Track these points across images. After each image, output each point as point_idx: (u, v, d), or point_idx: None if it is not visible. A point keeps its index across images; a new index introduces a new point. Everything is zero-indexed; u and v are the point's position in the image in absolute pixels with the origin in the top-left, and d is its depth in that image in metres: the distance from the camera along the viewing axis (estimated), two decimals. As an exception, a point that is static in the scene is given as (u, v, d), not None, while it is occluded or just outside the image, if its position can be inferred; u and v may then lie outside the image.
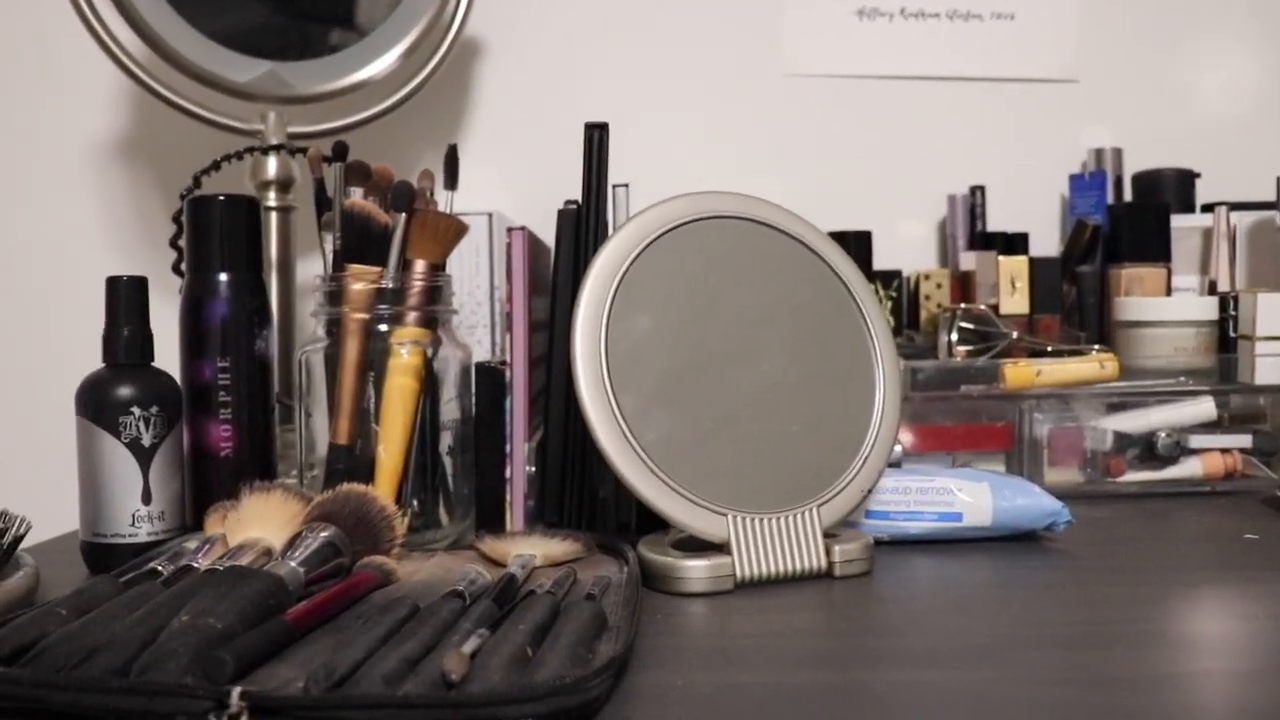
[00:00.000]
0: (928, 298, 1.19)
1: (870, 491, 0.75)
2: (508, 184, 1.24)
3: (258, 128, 1.04)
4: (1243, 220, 1.16)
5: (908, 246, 1.30)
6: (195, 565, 0.66)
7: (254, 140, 1.03)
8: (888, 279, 1.20)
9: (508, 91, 1.29)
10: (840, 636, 0.63)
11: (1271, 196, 1.11)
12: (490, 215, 1.05)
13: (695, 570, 0.69)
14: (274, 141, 1.02)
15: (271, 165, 1.02)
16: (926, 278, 1.21)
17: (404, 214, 0.80)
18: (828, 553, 0.71)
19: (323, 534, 0.68)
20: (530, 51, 1.30)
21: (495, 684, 0.49)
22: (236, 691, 0.47)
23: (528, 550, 0.74)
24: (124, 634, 0.53)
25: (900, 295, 1.21)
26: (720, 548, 0.69)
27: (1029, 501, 0.80)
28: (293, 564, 0.65)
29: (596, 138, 0.80)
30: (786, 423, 0.73)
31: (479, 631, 0.55)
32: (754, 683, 0.54)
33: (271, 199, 1.02)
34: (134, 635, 0.53)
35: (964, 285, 1.18)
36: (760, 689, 0.53)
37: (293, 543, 0.67)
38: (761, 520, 0.70)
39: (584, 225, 0.80)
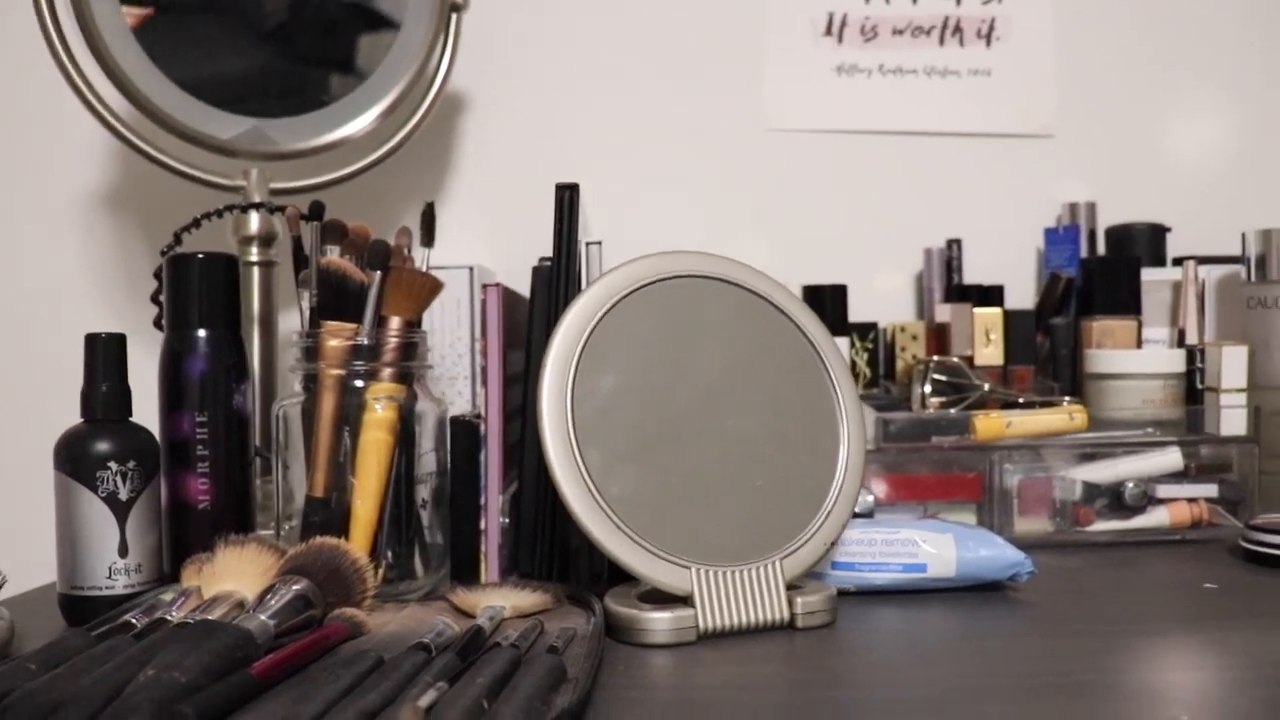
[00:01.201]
0: (903, 349, 1.20)
1: (834, 544, 0.76)
2: (489, 238, 1.26)
3: (240, 184, 1.06)
4: (1211, 274, 1.17)
5: (885, 299, 1.31)
6: (169, 618, 0.68)
7: (236, 196, 1.05)
8: (864, 331, 1.21)
9: (490, 146, 1.31)
10: (799, 688, 0.64)
11: (1237, 251, 1.12)
12: (472, 269, 1.06)
13: (658, 622, 0.70)
14: (256, 198, 1.04)
15: (254, 221, 1.03)
16: (902, 330, 1.22)
17: (380, 272, 0.82)
18: (790, 604, 0.72)
19: (294, 587, 0.69)
20: (513, 106, 1.31)
21: (448, 738, 0.50)
22: (196, 745, 0.49)
23: (497, 602, 0.75)
24: (89, 688, 0.55)
25: (877, 347, 1.22)
26: (684, 600, 0.71)
27: (992, 552, 0.80)
28: (263, 617, 0.66)
29: (567, 198, 0.82)
30: (751, 477, 0.75)
31: (438, 685, 0.56)
32: (707, 736, 0.55)
33: (254, 254, 1.04)
34: (99, 690, 0.55)
35: (940, 337, 1.19)
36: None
37: (264, 595, 0.68)
38: (725, 573, 0.71)
39: (556, 283, 0.82)
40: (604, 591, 0.75)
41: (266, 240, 1.04)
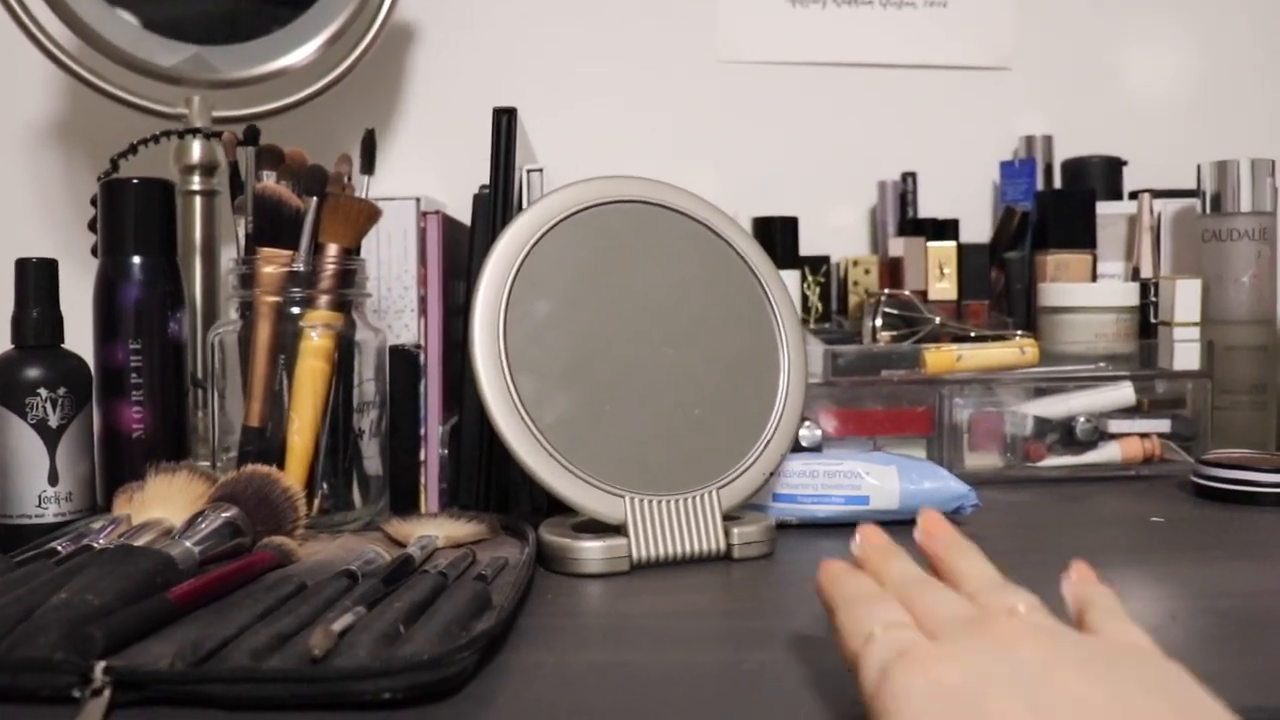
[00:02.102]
0: (856, 284, 1.19)
1: (773, 474, 0.75)
2: (439, 169, 1.23)
3: (182, 112, 1.04)
4: (1166, 208, 1.16)
5: (838, 233, 1.30)
6: (95, 545, 0.67)
7: (179, 124, 1.03)
8: (816, 265, 1.20)
9: (439, 76, 1.28)
10: (726, 617, 0.64)
11: (1193, 184, 1.11)
12: (418, 199, 1.05)
13: (590, 551, 0.69)
14: (198, 124, 1.02)
15: (196, 149, 1.01)
16: (855, 264, 1.21)
17: (316, 198, 0.80)
18: (727, 535, 0.72)
19: (223, 514, 0.69)
20: (462, 36, 1.29)
21: (359, 659, 0.49)
22: (100, 666, 0.47)
23: (431, 531, 0.74)
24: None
25: (829, 281, 1.21)
26: (618, 529, 0.70)
27: (936, 485, 0.80)
28: (187, 543, 0.65)
29: (504, 122, 0.80)
30: (688, 406, 0.74)
31: (355, 609, 0.55)
32: (627, 661, 0.54)
33: (195, 183, 1.02)
34: (10, 612, 0.54)
35: (893, 271, 1.18)
36: (631, 668, 0.53)
37: (191, 522, 0.67)
38: (660, 502, 0.71)
39: (493, 209, 0.80)
40: (544, 521, 0.74)
41: (208, 169, 1.02)
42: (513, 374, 0.70)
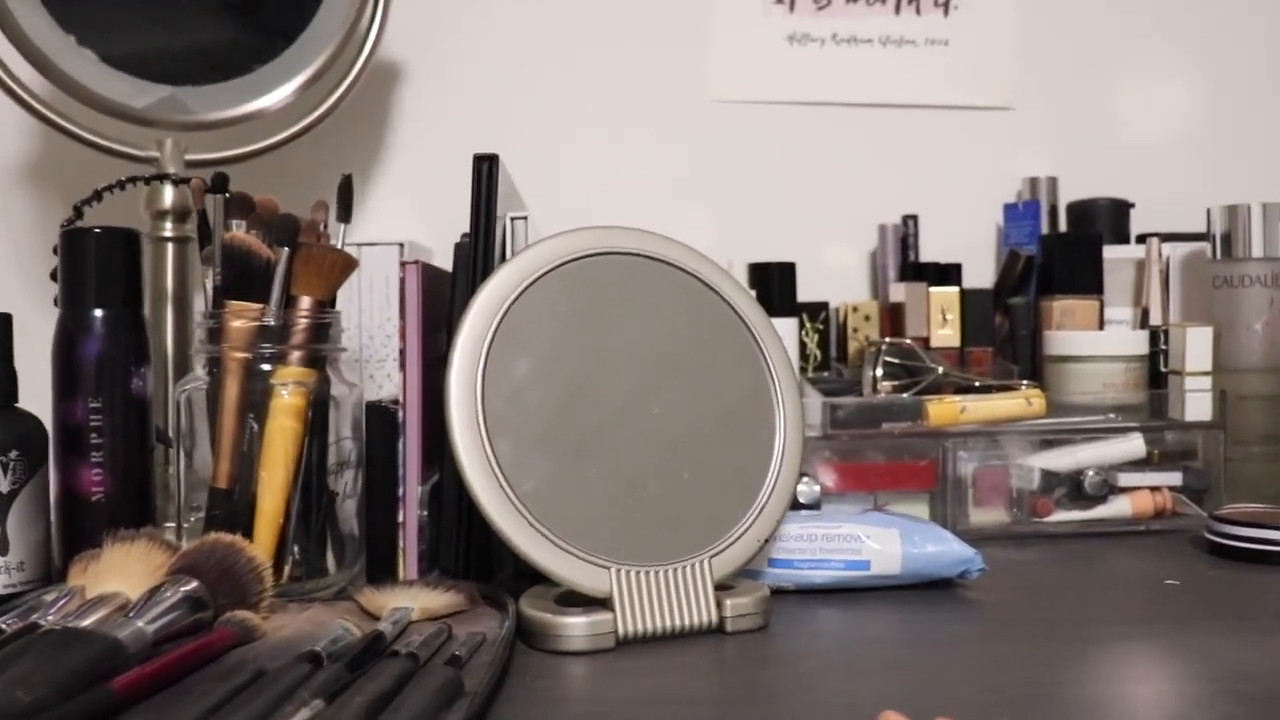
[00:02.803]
0: (856, 330, 1.16)
1: (768, 541, 0.71)
2: (424, 214, 1.20)
3: (154, 155, 1.00)
4: (1175, 252, 1.14)
5: (837, 277, 1.27)
6: (42, 623, 0.62)
7: (150, 168, 0.99)
8: (815, 311, 1.17)
9: (424, 118, 1.25)
10: (718, 704, 0.59)
11: (1203, 228, 1.08)
12: (402, 245, 1.01)
13: (573, 627, 0.65)
14: (170, 169, 0.98)
15: (167, 195, 0.98)
16: (855, 310, 1.17)
17: (286, 248, 0.77)
18: (719, 606, 0.67)
19: (183, 588, 0.64)
20: (447, 76, 1.26)
21: (311, 767, 0.45)
22: (24, 777, 0.43)
23: (405, 603, 0.70)
24: (-79, 708, 0.49)
25: (828, 328, 1.18)
26: (603, 602, 0.66)
27: (940, 548, 0.76)
28: (140, 622, 0.61)
29: (485, 170, 0.76)
30: (678, 469, 0.70)
31: (313, 703, 0.51)
32: (607, 759, 0.50)
33: (168, 229, 0.98)
34: (-65, 710, 0.49)
35: (894, 317, 1.15)
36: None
37: (146, 598, 0.63)
38: (648, 573, 0.66)
39: (474, 260, 0.76)
40: (526, 591, 0.70)
41: (181, 215, 0.99)
42: (490, 437, 0.66)
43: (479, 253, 0.76)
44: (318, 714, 0.50)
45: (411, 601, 0.70)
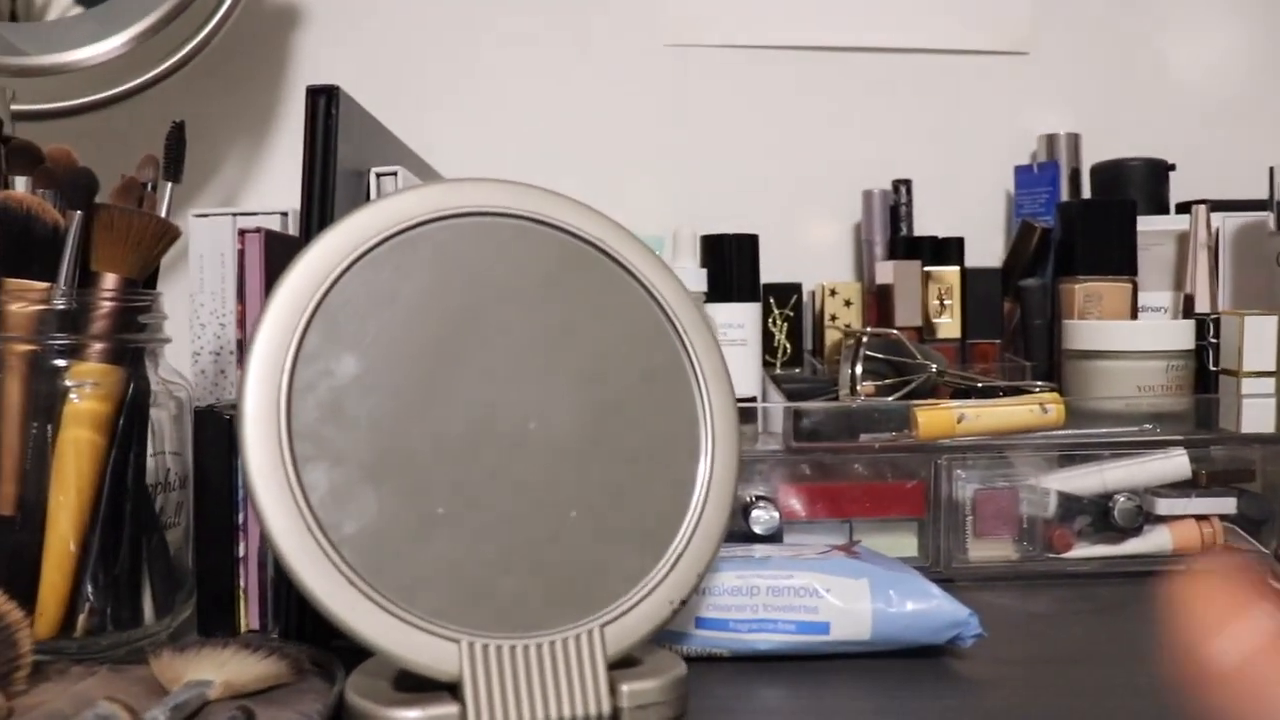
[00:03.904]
0: (834, 318, 1.05)
1: (684, 602, 0.55)
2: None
3: (-35, 104, 0.85)
4: (1227, 223, 1.02)
5: (812, 255, 1.16)
6: None
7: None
8: (784, 295, 1.05)
9: (326, 62, 1.14)
10: None
11: (1261, 193, 0.96)
12: (285, 215, 0.86)
13: (403, 726, 0.48)
14: (-7, 119, 0.83)
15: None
16: (833, 293, 1.06)
17: (80, 212, 0.63)
18: (612, 693, 0.51)
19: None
20: (351, 17, 1.14)
21: None
22: None
23: (207, 673, 0.55)
24: None
25: (799, 315, 1.07)
26: (452, 688, 0.50)
27: (922, 607, 0.60)
28: None
29: (321, 106, 0.60)
30: (560, 506, 0.53)
31: None
32: None
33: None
34: None
35: (881, 303, 1.04)
36: None
37: None
38: (514, 647, 0.50)
39: (303, 228, 0.61)
40: (361, 665, 0.54)
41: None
42: (297, 461, 0.50)
43: (311, 216, 0.60)
44: None
45: (215, 671, 0.56)
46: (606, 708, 0.51)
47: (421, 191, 0.55)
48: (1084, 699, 0.57)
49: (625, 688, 0.51)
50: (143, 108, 0.92)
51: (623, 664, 0.52)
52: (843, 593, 0.60)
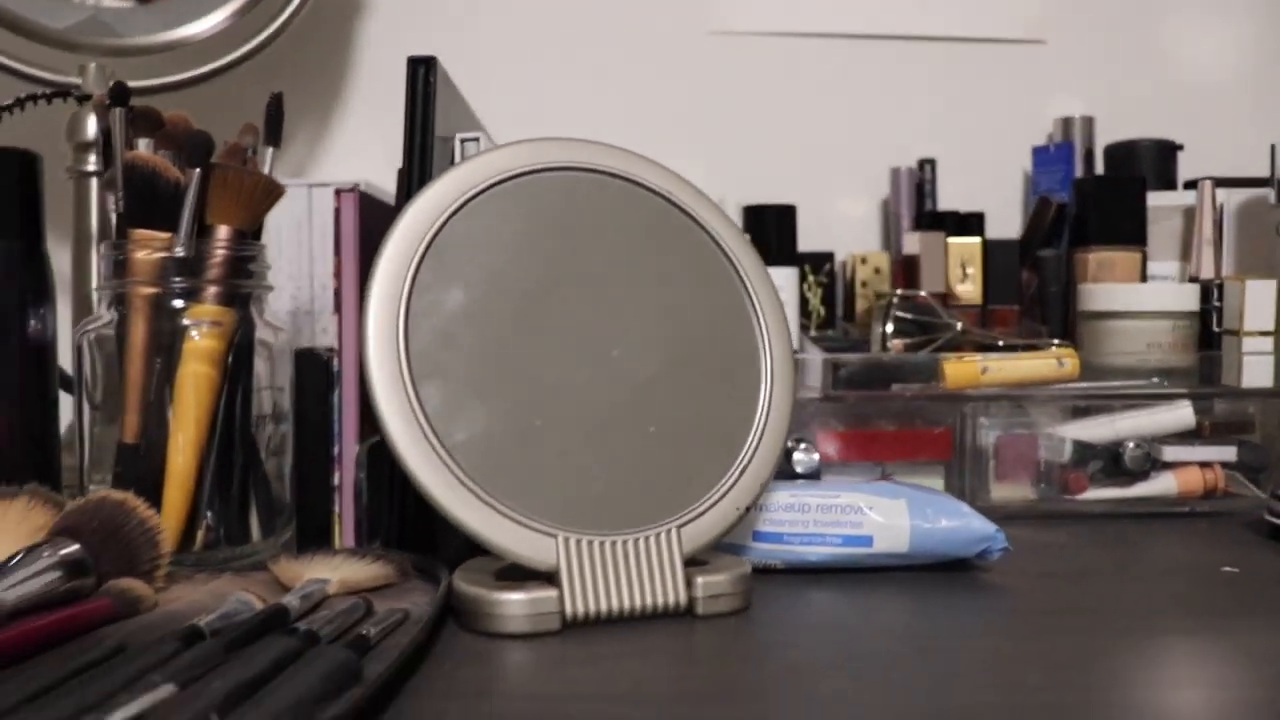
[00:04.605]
0: (864, 285, 1.09)
1: (750, 509, 0.61)
2: (390, 150, 1.11)
3: (76, 81, 0.91)
4: (1230, 199, 1.04)
5: (844, 226, 1.19)
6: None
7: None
8: (818, 263, 1.10)
9: (399, 45, 1.15)
10: (683, 701, 0.48)
11: (1263, 171, 0.99)
12: (357, 186, 0.92)
13: (509, 605, 0.54)
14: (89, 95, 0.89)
15: (91, 126, 0.89)
16: (864, 262, 1.10)
17: (199, 170, 0.67)
18: (689, 585, 0.57)
19: (62, 551, 0.55)
20: (422, 13, 1.19)
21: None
22: None
23: (324, 574, 0.61)
24: None
25: (833, 282, 1.11)
26: (549, 577, 0.56)
27: (955, 524, 0.66)
28: (-5, 589, 0.51)
29: (422, 75, 0.66)
30: (641, 422, 0.60)
31: (162, 688, 0.41)
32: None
33: (91, 163, 0.89)
34: None
35: (908, 271, 1.07)
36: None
37: (11, 561, 0.54)
38: (603, 543, 0.56)
39: (407, 183, 0.67)
40: (463, 564, 0.60)
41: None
42: (415, 379, 0.56)
43: (414, 173, 0.66)
44: (161, 702, 0.40)
45: (331, 572, 0.61)
46: (683, 597, 0.57)
47: (514, 148, 0.62)
48: (1098, 603, 0.62)
49: (699, 580, 0.57)
50: (205, 92, 0.98)
51: (694, 563, 0.59)
52: (884, 510, 0.65)
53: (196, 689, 0.42)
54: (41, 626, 0.50)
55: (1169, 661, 0.53)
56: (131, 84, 0.90)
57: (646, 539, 0.57)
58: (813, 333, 1.07)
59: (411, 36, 1.18)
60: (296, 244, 0.87)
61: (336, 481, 0.74)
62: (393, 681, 0.46)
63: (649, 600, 0.56)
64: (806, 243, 1.05)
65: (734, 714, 0.46)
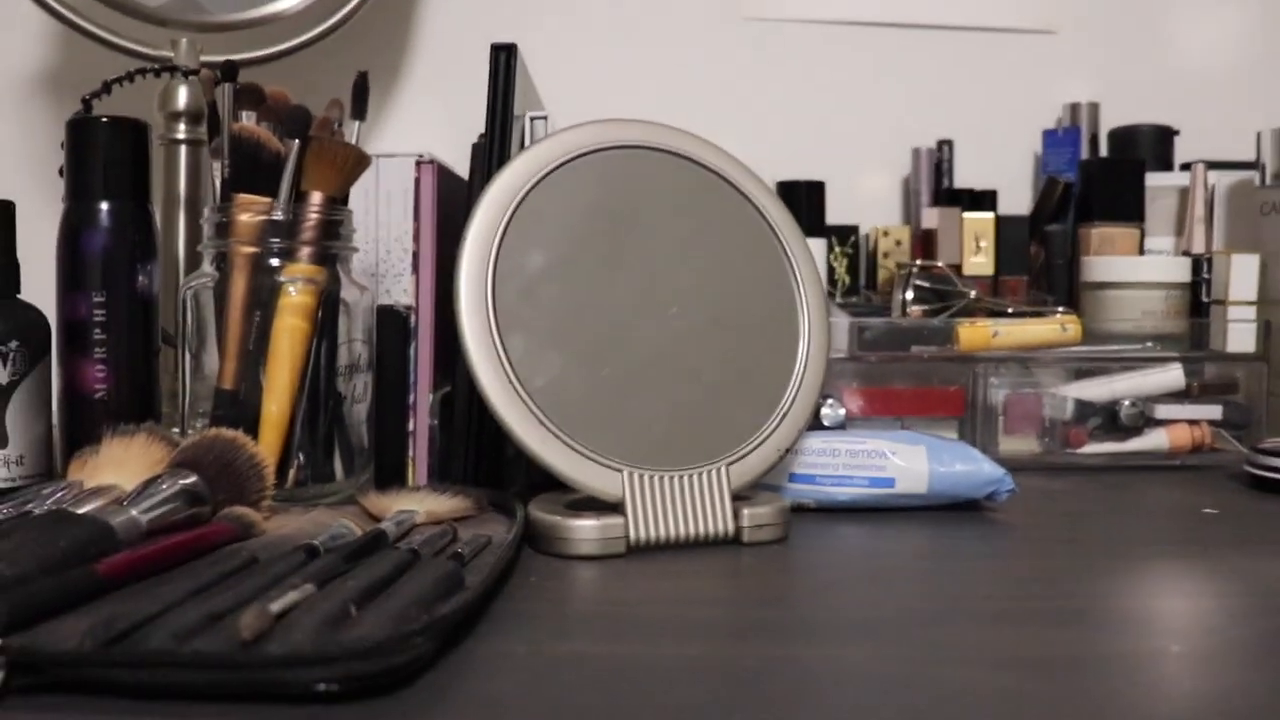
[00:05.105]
0: (886, 256, 1.13)
1: (789, 451, 0.69)
2: (451, 123, 1.17)
3: (168, 55, 0.97)
4: (1222, 180, 1.09)
5: (868, 202, 1.23)
6: (36, 511, 0.60)
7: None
8: (844, 235, 1.14)
9: (451, 23, 1.23)
10: (730, 606, 0.57)
11: (1253, 155, 1.05)
12: (434, 158, 0.98)
13: (582, 530, 0.62)
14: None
15: (182, 95, 0.95)
16: (885, 234, 1.14)
17: (298, 141, 0.74)
18: (736, 516, 0.65)
19: (181, 481, 0.62)
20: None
21: (295, 644, 0.42)
22: (-5, 643, 0.41)
23: (411, 506, 0.68)
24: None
25: (857, 252, 1.15)
26: (615, 507, 0.63)
27: (968, 468, 0.73)
28: (134, 511, 0.59)
29: (503, 61, 0.73)
30: (696, 372, 0.67)
31: (303, 587, 0.48)
32: (610, 654, 0.47)
33: (181, 131, 0.96)
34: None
35: (926, 244, 1.12)
36: (613, 660, 0.46)
37: (142, 488, 0.61)
38: (662, 478, 0.64)
39: (489, 156, 0.73)
40: (536, 497, 0.67)
41: (195, 117, 0.96)
42: (501, 331, 0.63)
43: (495, 149, 0.73)
44: (307, 597, 0.48)
45: (417, 505, 0.68)
46: (731, 527, 0.65)
47: (585, 129, 0.69)
48: (1095, 536, 0.70)
49: (745, 511, 0.65)
50: (303, 61, 1.04)
51: (740, 498, 0.66)
52: (905, 455, 0.73)
53: (333, 588, 0.49)
54: (180, 542, 0.57)
55: (1151, 577, 0.61)
56: (219, 58, 0.97)
57: (700, 475, 0.65)
58: (838, 299, 1.12)
59: (466, 15, 1.24)
60: (364, 211, 0.94)
61: (411, 427, 0.80)
62: (490, 590, 0.53)
63: (701, 528, 0.64)
64: (834, 216, 1.11)
65: (776, 615, 0.54)
